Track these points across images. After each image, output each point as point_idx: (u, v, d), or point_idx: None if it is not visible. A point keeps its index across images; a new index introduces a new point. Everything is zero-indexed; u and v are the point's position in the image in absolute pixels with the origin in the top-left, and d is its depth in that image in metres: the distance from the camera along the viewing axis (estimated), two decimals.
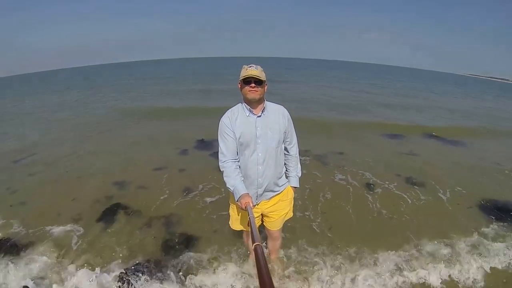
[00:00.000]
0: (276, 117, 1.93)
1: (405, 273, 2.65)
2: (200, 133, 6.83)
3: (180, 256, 2.79)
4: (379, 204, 3.92)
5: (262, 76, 1.80)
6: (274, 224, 2.22)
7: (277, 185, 2.04)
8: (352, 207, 3.82)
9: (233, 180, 1.85)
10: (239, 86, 1.87)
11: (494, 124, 10.21)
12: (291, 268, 2.64)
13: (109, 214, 3.50)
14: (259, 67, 1.83)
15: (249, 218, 1.45)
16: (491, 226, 3.49)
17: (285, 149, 2.09)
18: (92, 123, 8.69)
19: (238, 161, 1.94)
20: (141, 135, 7.26)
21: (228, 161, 1.91)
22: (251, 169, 1.92)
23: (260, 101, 1.87)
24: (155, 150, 6.07)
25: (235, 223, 2.22)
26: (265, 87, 1.86)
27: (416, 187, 4.51)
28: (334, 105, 12.11)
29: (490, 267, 2.76)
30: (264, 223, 2.26)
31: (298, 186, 2.20)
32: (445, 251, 2.97)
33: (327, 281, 2.52)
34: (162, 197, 3.93)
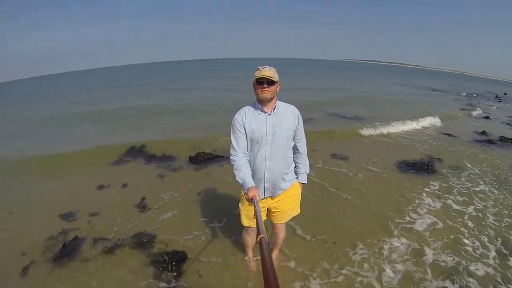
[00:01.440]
0: (286, 116, 2.02)
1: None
2: None
3: (177, 278, 2.53)
4: (329, 184, 4.28)
5: (275, 77, 1.90)
6: (279, 218, 2.29)
7: (284, 180, 2.11)
8: (313, 195, 3.94)
9: (242, 173, 1.93)
10: (253, 86, 1.96)
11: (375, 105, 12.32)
12: None
13: (72, 253, 2.82)
14: (272, 68, 1.93)
15: (255, 210, 1.49)
16: (429, 183, 4.44)
17: (295, 146, 2.16)
18: None
19: (248, 156, 2.02)
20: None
21: (238, 155, 1.98)
22: (259, 163, 2.01)
23: (272, 100, 1.97)
24: (87, 168, 5.05)
25: (245, 219, 2.26)
26: (277, 88, 1.97)
27: (341, 161, 5.22)
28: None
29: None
30: (270, 217, 2.33)
31: (306, 183, 2.27)
32: (422, 220, 3.44)
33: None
34: (118, 219, 3.38)
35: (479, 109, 12.59)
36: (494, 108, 14.42)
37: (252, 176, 1.96)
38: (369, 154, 5.64)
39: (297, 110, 2.09)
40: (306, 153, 2.24)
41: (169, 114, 9.68)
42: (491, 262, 2.81)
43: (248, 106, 2.05)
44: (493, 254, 2.92)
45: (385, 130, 7.78)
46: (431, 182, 4.46)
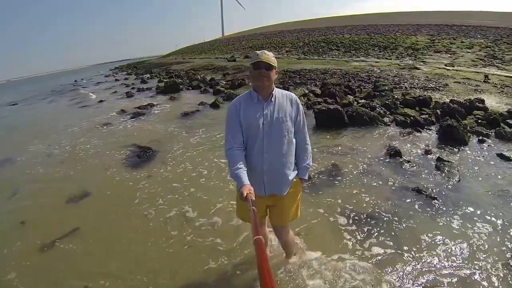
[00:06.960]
0: (284, 104, 1.88)
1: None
2: None
3: None
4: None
5: (272, 62, 1.77)
6: (279, 217, 2.11)
7: (286, 175, 1.93)
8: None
9: (236, 169, 1.75)
10: (249, 72, 1.85)
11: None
12: None
13: None
14: (270, 53, 1.80)
15: (250, 210, 1.42)
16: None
17: (296, 137, 1.96)
18: None
19: (244, 150, 1.86)
20: None
21: (233, 149, 1.82)
22: (256, 157, 1.85)
23: (269, 87, 1.83)
24: None
25: (240, 211, 2.17)
26: (276, 74, 1.84)
27: None
28: None
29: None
30: (269, 219, 2.17)
31: (307, 178, 2.06)
32: None
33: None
34: None
35: (92, 95, 16.04)
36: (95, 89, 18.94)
37: (250, 171, 1.80)
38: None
39: (296, 96, 1.95)
40: (308, 144, 2.03)
41: None
42: None
43: (244, 95, 1.89)
44: None
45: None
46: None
